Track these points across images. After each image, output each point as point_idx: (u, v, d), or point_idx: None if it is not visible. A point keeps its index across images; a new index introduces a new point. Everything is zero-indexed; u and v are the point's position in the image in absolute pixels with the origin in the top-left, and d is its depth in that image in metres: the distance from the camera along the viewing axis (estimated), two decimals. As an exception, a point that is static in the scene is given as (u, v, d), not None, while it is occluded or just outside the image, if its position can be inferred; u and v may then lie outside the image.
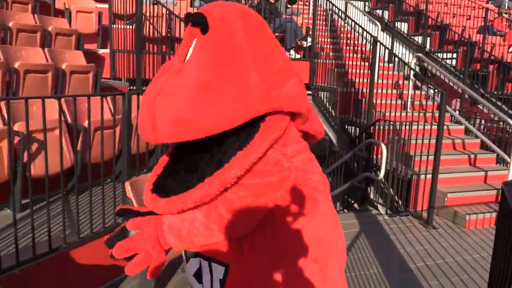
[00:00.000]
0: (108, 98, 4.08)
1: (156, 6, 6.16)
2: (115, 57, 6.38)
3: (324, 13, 8.63)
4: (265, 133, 1.20)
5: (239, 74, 1.20)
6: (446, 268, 3.80)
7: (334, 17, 8.58)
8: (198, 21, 1.24)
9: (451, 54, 9.23)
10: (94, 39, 6.63)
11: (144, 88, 5.56)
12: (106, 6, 6.65)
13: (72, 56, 5.13)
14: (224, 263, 1.26)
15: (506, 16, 10.67)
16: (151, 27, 6.28)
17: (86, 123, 3.47)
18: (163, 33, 6.31)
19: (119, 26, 6.42)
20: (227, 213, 1.18)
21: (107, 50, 6.41)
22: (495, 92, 8.27)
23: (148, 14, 6.18)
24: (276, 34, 7.37)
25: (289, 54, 7.48)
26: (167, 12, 6.11)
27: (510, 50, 9.47)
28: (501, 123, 6.75)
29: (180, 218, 1.23)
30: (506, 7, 12.21)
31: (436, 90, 6.95)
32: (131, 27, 6.35)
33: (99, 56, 6.32)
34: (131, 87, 6.01)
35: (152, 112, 1.21)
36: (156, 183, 1.33)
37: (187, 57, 1.27)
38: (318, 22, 7.93)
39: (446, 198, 5.12)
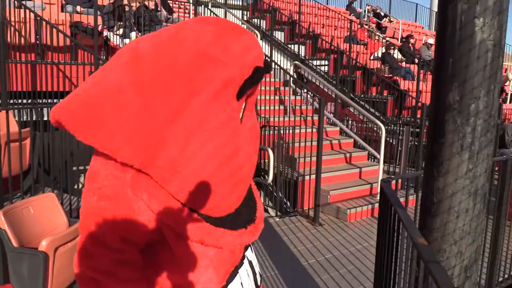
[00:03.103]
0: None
1: (21, 11, 5.57)
2: (-27, 67, 5.59)
3: (205, 21, 8.67)
4: None
5: None
6: (335, 261, 4.10)
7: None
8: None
9: (323, 61, 10.02)
10: None
11: (12, 101, 4.98)
12: (-41, 9, 5.80)
13: None
14: None
15: (366, 27, 11.93)
16: (17, 33, 5.65)
17: None
18: (31, 40, 5.74)
19: (-24, 32, 5.65)
20: None
21: (-37, 59, 5.59)
22: (362, 95, 9.20)
23: (12, 19, 5.55)
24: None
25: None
26: (37, 18, 5.57)
27: (371, 57, 10.61)
28: (367, 123, 7.52)
29: None
30: (366, 19, 13.69)
31: (313, 95, 7.49)
32: (-9, 33, 5.64)
33: (-48, 66, 5.48)
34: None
35: None
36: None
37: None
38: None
39: (329, 196, 5.53)
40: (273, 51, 10.03)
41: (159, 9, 8.28)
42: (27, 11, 5.46)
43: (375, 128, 7.44)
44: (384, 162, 6.41)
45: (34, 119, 4.31)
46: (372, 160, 7.00)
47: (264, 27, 10.96)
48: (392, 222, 2.00)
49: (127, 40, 6.81)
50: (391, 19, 15.10)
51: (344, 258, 4.18)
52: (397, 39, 12.99)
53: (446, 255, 1.65)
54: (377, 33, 11.83)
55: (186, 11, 9.87)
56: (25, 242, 2.80)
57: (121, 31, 6.94)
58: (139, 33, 6.97)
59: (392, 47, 10.11)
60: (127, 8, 7.05)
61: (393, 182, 2.60)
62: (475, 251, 1.68)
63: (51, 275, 2.71)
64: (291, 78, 7.14)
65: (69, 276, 2.96)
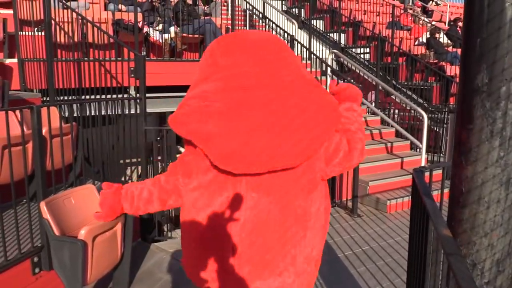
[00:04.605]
0: (18, 112, 3.77)
1: (66, 11, 5.81)
2: (25, 66, 5.93)
3: (243, 13, 8.69)
4: None
5: None
6: (372, 253, 4.01)
7: (253, 17, 8.67)
8: None
9: (364, 49, 9.75)
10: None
11: (58, 98, 5.23)
12: (11, 11, 6.15)
13: (-27, 68, 4.69)
14: None
15: (410, 11, 11.48)
16: (63, 33, 5.92)
17: (-9, 141, 3.18)
18: (76, 39, 5.98)
19: (27, 33, 5.97)
20: None
21: (15, 60, 5.95)
22: (406, 83, 8.88)
23: (58, 19, 5.81)
24: (195, 35, 7.30)
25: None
26: (79, 17, 5.79)
27: (416, 43, 10.20)
28: (412, 111, 7.25)
29: None
30: (411, 3, 13.17)
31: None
32: (40, 33, 5.94)
33: (6, 66, 5.85)
34: (44, 98, 5.62)
35: None
36: None
37: None
38: (237, 22, 7.98)
39: (368, 187, 5.41)
40: (312, 40, 9.86)
41: (198, 3, 8.36)
42: (71, 11, 5.68)
43: (419, 117, 7.17)
44: (429, 151, 6.17)
45: (79, 115, 4.51)
46: (416, 150, 6.75)
47: (304, 16, 10.81)
48: (421, 213, 1.92)
49: (166, 35, 6.94)
50: (438, 2, 14.42)
51: (382, 250, 4.08)
52: (444, 23, 12.40)
53: (476, 248, 1.56)
54: (422, 17, 11.35)
55: (224, 3, 9.92)
56: (66, 231, 2.95)
57: (160, 26, 7.09)
58: (178, 28, 7.08)
59: (438, 32, 9.66)
60: (157, 4, 7.20)
61: (427, 172, 2.49)
62: (509, 244, 1.58)
63: (90, 263, 2.83)
64: (328, 68, 7.00)
65: (107, 264, 3.09)
